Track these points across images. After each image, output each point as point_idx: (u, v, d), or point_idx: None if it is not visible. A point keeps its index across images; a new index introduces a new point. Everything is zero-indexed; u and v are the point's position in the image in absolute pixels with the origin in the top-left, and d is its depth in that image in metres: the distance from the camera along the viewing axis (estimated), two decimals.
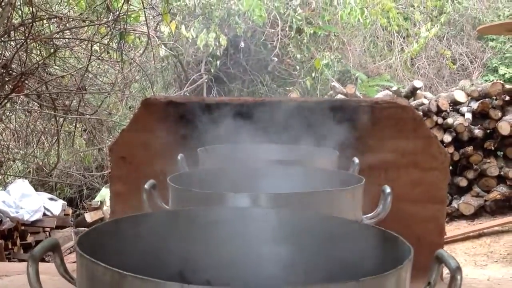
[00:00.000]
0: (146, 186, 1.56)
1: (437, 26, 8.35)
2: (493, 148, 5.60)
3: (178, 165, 1.99)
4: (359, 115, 2.42)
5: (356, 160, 2.00)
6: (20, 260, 3.78)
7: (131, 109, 6.30)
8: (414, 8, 9.02)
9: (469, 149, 5.46)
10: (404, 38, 8.64)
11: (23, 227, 4.20)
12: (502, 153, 5.70)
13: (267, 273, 1.15)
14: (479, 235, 5.10)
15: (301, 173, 1.77)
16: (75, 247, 0.93)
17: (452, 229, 5.20)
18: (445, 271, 2.18)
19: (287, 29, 6.70)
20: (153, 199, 1.56)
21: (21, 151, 6.34)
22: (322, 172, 1.80)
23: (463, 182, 5.52)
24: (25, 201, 4.21)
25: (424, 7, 9.14)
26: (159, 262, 1.12)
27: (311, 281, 1.10)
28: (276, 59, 6.79)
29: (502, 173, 5.52)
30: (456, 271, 0.91)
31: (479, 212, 5.49)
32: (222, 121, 2.32)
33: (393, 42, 8.55)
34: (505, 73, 8.89)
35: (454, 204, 5.48)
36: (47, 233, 4.42)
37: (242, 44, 6.57)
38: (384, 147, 2.37)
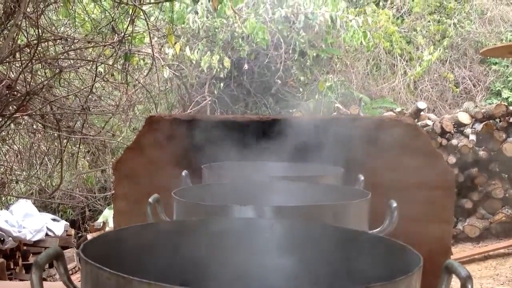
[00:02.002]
0: (150, 200, 1.55)
1: (439, 49, 8.39)
2: (498, 170, 5.58)
3: (182, 182, 1.98)
4: (363, 132, 2.41)
5: (361, 177, 1.99)
6: (22, 280, 3.75)
7: (135, 130, 6.32)
8: (417, 32, 9.08)
9: (474, 170, 5.44)
10: (407, 62, 8.68)
11: (25, 247, 4.17)
12: (506, 175, 5.68)
13: (273, 284, 1.14)
14: (485, 258, 5.05)
15: (306, 188, 1.76)
16: (79, 253, 0.92)
17: (458, 251, 5.16)
18: None
19: (290, 51, 6.73)
20: (157, 213, 1.55)
21: (24, 172, 6.34)
22: (328, 187, 1.79)
23: (468, 204, 5.49)
24: (28, 221, 4.19)
25: (426, 31, 9.21)
26: (163, 272, 1.11)
27: None
28: (279, 81, 6.82)
29: (507, 195, 5.49)
30: (466, 279, 0.89)
31: (485, 235, 5.45)
32: (226, 138, 2.32)
33: (396, 65, 8.58)
34: (509, 97, 8.90)
35: (459, 226, 5.44)
36: None
37: (246, 67, 6.61)
38: (389, 165, 2.35)
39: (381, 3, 9.21)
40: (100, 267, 0.82)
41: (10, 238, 3.97)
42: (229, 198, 1.65)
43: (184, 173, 2.03)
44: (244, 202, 1.61)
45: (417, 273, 0.87)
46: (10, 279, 3.88)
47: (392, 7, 9.30)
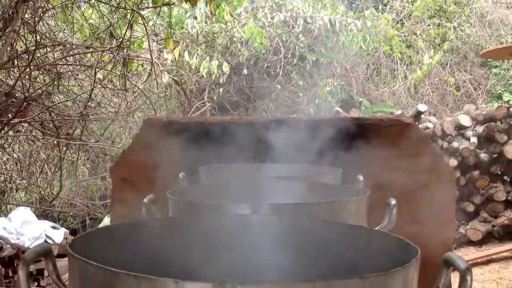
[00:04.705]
0: (145, 200, 1.53)
1: (440, 53, 8.38)
2: (499, 172, 5.54)
3: (180, 183, 1.96)
4: (362, 133, 2.39)
5: (361, 177, 1.96)
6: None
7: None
8: (417, 36, 9.07)
9: (475, 173, 5.41)
10: (407, 66, 8.66)
11: (23, 255, 4.15)
12: (509, 177, 5.64)
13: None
14: (488, 261, 5.01)
15: (304, 188, 1.74)
16: (67, 249, 0.90)
17: (460, 255, 5.11)
18: None
19: (289, 56, 6.72)
20: (152, 213, 1.53)
21: (24, 181, 6.31)
22: (326, 186, 1.76)
23: (470, 208, 5.45)
24: (26, 228, 4.16)
25: (426, 35, 9.20)
26: (156, 270, 1.08)
27: None
28: (279, 86, 6.80)
29: (509, 197, 5.45)
30: (466, 271, 0.87)
31: (487, 238, 5.41)
32: (224, 140, 2.30)
33: (396, 69, 8.57)
34: (510, 100, 8.88)
35: (462, 230, 5.40)
36: None
37: (245, 72, 6.59)
38: (388, 165, 2.33)
39: (380, 7, 9.21)
40: (87, 261, 0.79)
41: (8, 246, 3.95)
42: (226, 198, 1.63)
43: (181, 175, 2.01)
44: (242, 201, 1.58)
45: (415, 265, 0.84)
46: (9, 287, 3.85)
47: (392, 11, 9.30)
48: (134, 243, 1.06)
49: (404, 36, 9.00)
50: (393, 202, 1.56)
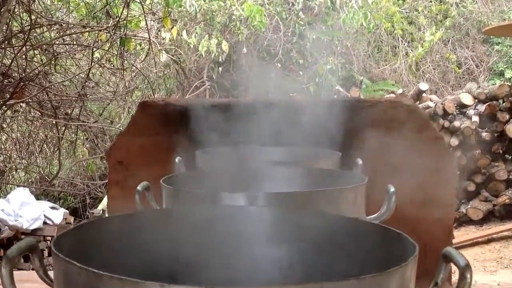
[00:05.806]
0: (139, 187, 1.50)
1: (441, 30, 8.28)
2: (501, 151, 5.51)
3: (176, 167, 1.93)
4: (362, 115, 2.35)
5: (360, 161, 1.93)
6: (19, 269, 3.73)
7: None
8: (419, 12, 8.96)
9: (477, 152, 5.37)
10: (408, 43, 8.57)
11: (23, 236, 4.13)
12: (510, 156, 5.61)
13: (263, 275, 1.08)
14: (488, 241, 5.00)
15: (301, 174, 1.70)
16: (51, 247, 0.87)
17: (461, 234, 5.11)
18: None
19: (289, 34, 6.65)
20: (146, 201, 1.50)
21: (23, 161, 6.30)
22: (323, 172, 1.73)
23: (471, 187, 5.43)
24: (25, 209, 4.14)
25: (428, 12, 9.09)
26: (148, 264, 1.05)
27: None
28: (279, 65, 6.74)
29: (511, 176, 5.42)
30: (465, 268, 0.84)
31: (488, 217, 5.40)
32: (221, 123, 2.26)
33: (398, 46, 8.48)
34: None
35: (462, 209, 5.38)
36: (48, 242, 4.35)
37: (245, 50, 6.52)
38: (388, 148, 2.29)
39: None
40: (69, 261, 0.76)
41: (7, 227, 3.94)
42: (221, 184, 1.60)
43: (177, 159, 1.98)
44: (237, 189, 1.56)
45: (412, 263, 0.81)
46: None
47: None
48: (124, 237, 1.03)
49: (406, 12, 8.88)
50: (392, 189, 1.52)
